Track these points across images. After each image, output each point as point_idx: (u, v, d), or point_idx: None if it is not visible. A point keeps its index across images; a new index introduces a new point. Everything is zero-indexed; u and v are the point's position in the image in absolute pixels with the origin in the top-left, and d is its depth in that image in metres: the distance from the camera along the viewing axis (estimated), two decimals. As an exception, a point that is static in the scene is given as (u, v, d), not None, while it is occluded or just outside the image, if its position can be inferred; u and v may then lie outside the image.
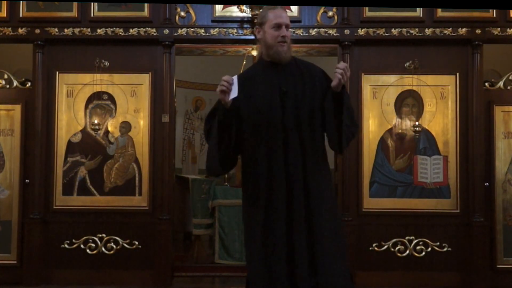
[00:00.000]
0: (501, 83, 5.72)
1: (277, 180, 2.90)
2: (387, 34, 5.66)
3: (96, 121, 5.67)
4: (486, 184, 5.58)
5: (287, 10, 5.70)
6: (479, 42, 5.61)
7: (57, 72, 5.71)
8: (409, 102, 5.70)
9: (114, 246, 5.65)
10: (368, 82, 5.68)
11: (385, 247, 5.61)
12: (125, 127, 5.73)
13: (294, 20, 5.70)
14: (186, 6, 5.71)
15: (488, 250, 5.53)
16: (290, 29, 3.01)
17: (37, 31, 5.66)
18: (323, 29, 5.68)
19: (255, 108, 2.95)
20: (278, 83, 2.97)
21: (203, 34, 5.71)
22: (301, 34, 5.67)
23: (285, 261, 2.87)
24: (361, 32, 5.66)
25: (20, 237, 5.60)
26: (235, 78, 2.88)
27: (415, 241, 5.61)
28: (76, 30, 5.67)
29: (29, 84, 5.76)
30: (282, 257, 2.87)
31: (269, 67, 3.03)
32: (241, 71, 7.52)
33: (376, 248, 5.61)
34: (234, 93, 2.85)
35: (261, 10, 3.22)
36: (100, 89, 5.72)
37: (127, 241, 5.65)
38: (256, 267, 2.97)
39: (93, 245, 5.65)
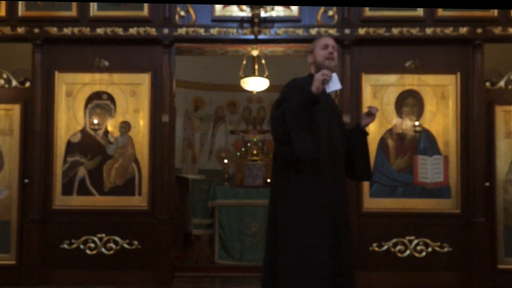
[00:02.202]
0: (502, 83, 5.71)
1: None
2: (387, 34, 5.64)
3: (95, 121, 5.65)
4: (487, 184, 5.57)
5: (287, 9, 5.70)
6: (480, 42, 5.60)
7: (57, 72, 5.70)
8: (410, 102, 5.68)
9: (114, 246, 5.64)
10: (369, 82, 5.67)
11: (386, 247, 5.59)
12: (125, 127, 5.72)
13: (294, 20, 5.70)
14: (186, 6, 5.70)
15: (488, 250, 5.51)
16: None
17: (36, 30, 5.64)
18: (323, 29, 5.66)
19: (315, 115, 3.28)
20: (326, 100, 3.38)
21: (203, 33, 5.70)
22: (301, 34, 5.65)
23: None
24: (362, 31, 5.65)
25: (19, 237, 5.59)
26: (335, 74, 3.23)
27: (416, 241, 5.59)
28: (76, 30, 5.66)
29: (28, 83, 5.74)
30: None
31: None
32: (238, 71, 7.51)
33: (376, 248, 5.59)
34: (337, 85, 3.21)
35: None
36: (100, 89, 5.71)
37: (127, 241, 5.64)
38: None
39: (92, 245, 5.63)
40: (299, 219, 3.16)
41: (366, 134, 3.53)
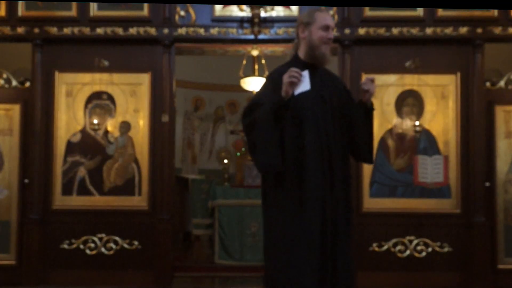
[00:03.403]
0: (502, 83, 5.71)
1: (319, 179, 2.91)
2: (387, 34, 5.64)
3: (95, 121, 5.65)
4: (487, 184, 5.57)
5: (287, 9, 5.70)
6: (480, 41, 5.60)
7: (56, 72, 5.70)
8: (410, 101, 5.68)
9: (114, 246, 5.63)
10: (369, 82, 5.66)
11: (386, 247, 5.59)
12: (125, 127, 5.72)
13: (294, 20, 5.68)
14: (186, 6, 5.70)
15: (489, 250, 5.51)
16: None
17: (36, 30, 5.64)
18: (323, 29, 5.65)
19: (299, 110, 2.94)
20: (317, 86, 2.97)
21: (203, 33, 5.70)
22: (301, 34, 5.64)
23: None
24: (362, 31, 5.64)
25: (19, 237, 5.58)
26: (306, 72, 2.84)
27: (416, 241, 5.59)
28: (75, 30, 5.66)
29: (28, 83, 5.74)
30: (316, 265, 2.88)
31: (308, 69, 2.99)
32: (238, 71, 7.51)
33: (376, 248, 5.59)
34: (306, 86, 2.82)
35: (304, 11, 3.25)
36: (100, 88, 5.71)
37: (127, 241, 5.63)
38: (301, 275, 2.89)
39: (92, 245, 5.63)
40: (284, 234, 2.91)
41: (368, 109, 3.04)
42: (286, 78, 2.79)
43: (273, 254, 2.96)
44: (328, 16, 3.07)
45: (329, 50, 3.06)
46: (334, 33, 3.14)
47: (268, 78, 3.10)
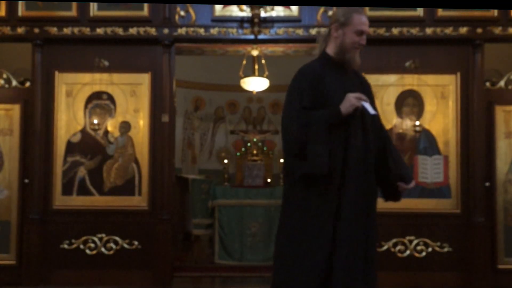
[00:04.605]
0: (502, 83, 5.71)
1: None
2: (387, 34, 5.64)
3: (95, 121, 5.65)
4: (487, 184, 5.57)
5: (287, 9, 5.69)
6: (480, 41, 5.60)
7: (56, 72, 5.70)
8: (410, 102, 5.68)
9: (114, 246, 5.63)
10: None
11: (385, 247, 5.59)
12: (125, 127, 5.72)
13: (294, 20, 5.69)
14: (186, 6, 5.70)
15: (488, 250, 5.51)
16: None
17: (36, 30, 5.64)
18: (323, 29, 5.65)
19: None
20: (348, 90, 2.95)
21: (203, 33, 5.70)
22: (301, 34, 5.65)
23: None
24: (362, 31, 5.63)
25: (19, 237, 5.58)
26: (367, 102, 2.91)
27: (416, 241, 5.59)
28: (75, 30, 5.66)
29: (28, 83, 5.74)
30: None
31: (338, 69, 3.00)
32: (238, 71, 7.50)
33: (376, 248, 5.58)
34: (371, 110, 2.89)
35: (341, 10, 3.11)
36: (100, 88, 5.71)
37: (127, 241, 5.63)
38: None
39: (92, 245, 5.63)
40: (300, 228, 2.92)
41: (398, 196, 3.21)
42: (355, 101, 2.83)
43: (295, 257, 2.91)
44: (365, 20, 2.99)
45: (359, 54, 3.03)
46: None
47: (300, 74, 3.00)
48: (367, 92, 3.10)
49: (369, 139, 2.97)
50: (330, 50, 3.04)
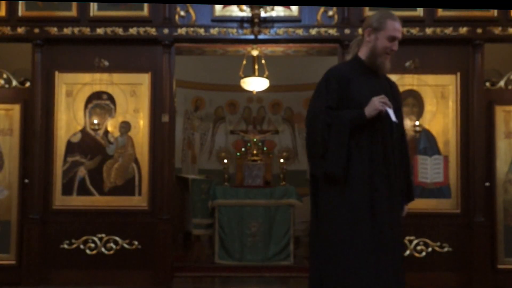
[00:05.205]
0: (502, 83, 5.71)
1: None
2: (387, 34, 5.63)
3: (95, 121, 5.65)
4: (487, 184, 5.57)
5: (287, 9, 5.69)
6: (480, 42, 5.60)
7: (57, 72, 5.70)
8: (410, 102, 5.68)
9: (114, 246, 5.63)
10: (369, 82, 5.66)
11: (386, 247, 5.58)
12: (125, 127, 5.72)
13: (294, 20, 5.69)
14: (186, 6, 5.70)
15: (488, 250, 5.51)
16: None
17: (36, 30, 5.64)
18: (323, 29, 5.66)
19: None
20: (376, 93, 3.01)
21: (203, 33, 5.70)
22: (301, 34, 5.65)
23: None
24: (362, 31, 5.63)
25: (19, 237, 5.58)
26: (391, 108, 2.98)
27: (416, 241, 5.59)
28: (76, 30, 5.65)
29: (28, 83, 5.74)
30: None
31: (368, 73, 3.08)
32: (238, 71, 7.49)
33: (376, 248, 5.58)
34: (393, 118, 2.96)
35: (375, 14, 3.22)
36: (100, 89, 5.71)
37: (127, 241, 5.63)
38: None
39: (92, 245, 5.63)
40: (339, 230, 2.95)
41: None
42: (379, 105, 2.90)
43: (332, 254, 2.95)
44: (398, 26, 3.05)
45: (389, 60, 3.10)
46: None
47: (329, 74, 3.08)
48: (396, 98, 3.16)
49: (387, 144, 3.00)
50: (362, 54, 3.12)
